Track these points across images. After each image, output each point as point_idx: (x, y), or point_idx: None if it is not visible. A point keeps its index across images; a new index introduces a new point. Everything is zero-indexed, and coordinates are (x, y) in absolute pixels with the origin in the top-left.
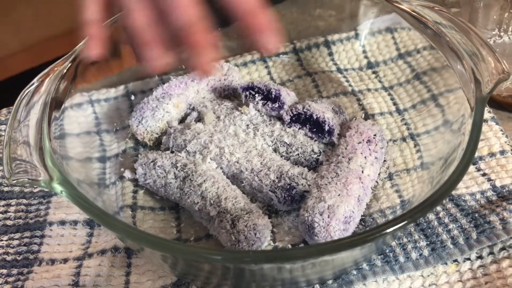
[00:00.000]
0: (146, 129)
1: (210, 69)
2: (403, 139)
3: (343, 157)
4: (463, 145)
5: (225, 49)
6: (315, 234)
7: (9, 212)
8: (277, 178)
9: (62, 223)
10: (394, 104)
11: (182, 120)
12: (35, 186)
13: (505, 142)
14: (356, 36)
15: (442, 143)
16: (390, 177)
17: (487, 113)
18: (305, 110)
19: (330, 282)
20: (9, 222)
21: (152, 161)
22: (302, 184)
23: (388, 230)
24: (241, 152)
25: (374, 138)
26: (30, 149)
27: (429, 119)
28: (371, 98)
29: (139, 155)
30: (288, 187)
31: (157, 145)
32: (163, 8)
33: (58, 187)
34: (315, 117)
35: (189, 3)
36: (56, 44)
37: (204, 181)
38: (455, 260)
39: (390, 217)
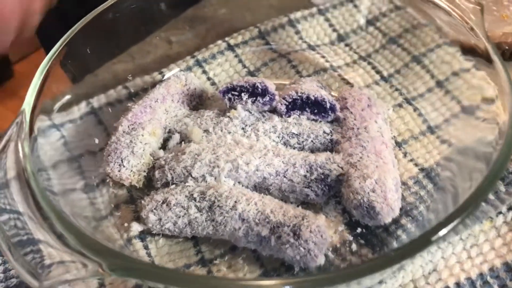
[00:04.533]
0: (131, 171)
1: None
2: (400, 106)
3: (358, 128)
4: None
5: (181, 43)
6: (377, 213)
7: None
8: (307, 172)
9: None
10: (377, 72)
11: (162, 147)
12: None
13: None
14: (319, 11)
15: (441, 105)
16: (399, 147)
17: (467, 62)
18: (299, 94)
19: None
20: None
21: (163, 202)
22: (335, 169)
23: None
24: (256, 158)
25: (370, 101)
26: (46, 236)
27: (419, 82)
28: (352, 72)
29: (142, 202)
30: (322, 177)
31: (146, 183)
32: None
33: (116, 270)
34: (312, 98)
35: None
36: None
37: (236, 201)
38: (489, 217)
39: (415, 188)
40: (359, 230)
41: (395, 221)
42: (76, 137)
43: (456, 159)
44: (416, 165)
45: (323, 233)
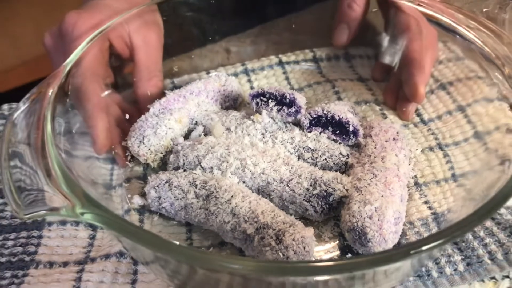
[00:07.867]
0: (149, 149)
1: None
2: (430, 149)
3: (375, 156)
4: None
5: (238, 55)
6: (368, 240)
7: (6, 211)
8: (311, 185)
9: (63, 223)
10: (418, 115)
11: (185, 137)
12: None
13: None
14: (375, 56)
15: (473, 156)
16: (417, 187)
17: None
18: (325, 112)
19: None
20: (4, 222)
21: (166, 182)
22: (339, 190)
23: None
24: (265, 162)
25: (397, 135)
26: (36, 172)
27: (457, 130)
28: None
29: (149, 178)
30: (324, 194)
31: (162, 166)
32: None
33: (84, 213)
34: (337, 118)
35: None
36: None
37: (232, 196)
38: (493, 278)
39: (421, 229)
40: (349, 255)
41: None
42: None
43: (465, 204)
44: (429, 208)
45: (306, 244)
